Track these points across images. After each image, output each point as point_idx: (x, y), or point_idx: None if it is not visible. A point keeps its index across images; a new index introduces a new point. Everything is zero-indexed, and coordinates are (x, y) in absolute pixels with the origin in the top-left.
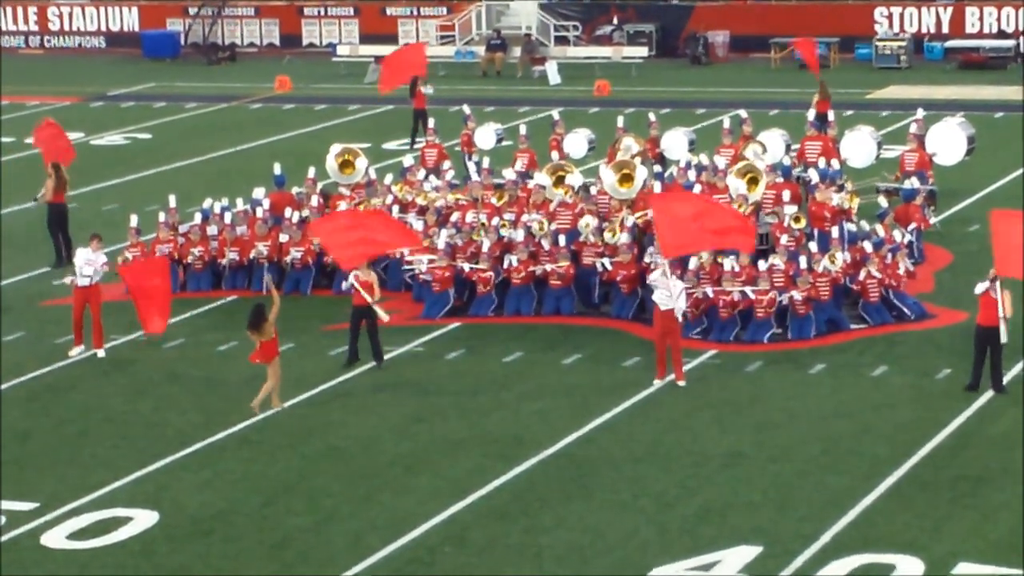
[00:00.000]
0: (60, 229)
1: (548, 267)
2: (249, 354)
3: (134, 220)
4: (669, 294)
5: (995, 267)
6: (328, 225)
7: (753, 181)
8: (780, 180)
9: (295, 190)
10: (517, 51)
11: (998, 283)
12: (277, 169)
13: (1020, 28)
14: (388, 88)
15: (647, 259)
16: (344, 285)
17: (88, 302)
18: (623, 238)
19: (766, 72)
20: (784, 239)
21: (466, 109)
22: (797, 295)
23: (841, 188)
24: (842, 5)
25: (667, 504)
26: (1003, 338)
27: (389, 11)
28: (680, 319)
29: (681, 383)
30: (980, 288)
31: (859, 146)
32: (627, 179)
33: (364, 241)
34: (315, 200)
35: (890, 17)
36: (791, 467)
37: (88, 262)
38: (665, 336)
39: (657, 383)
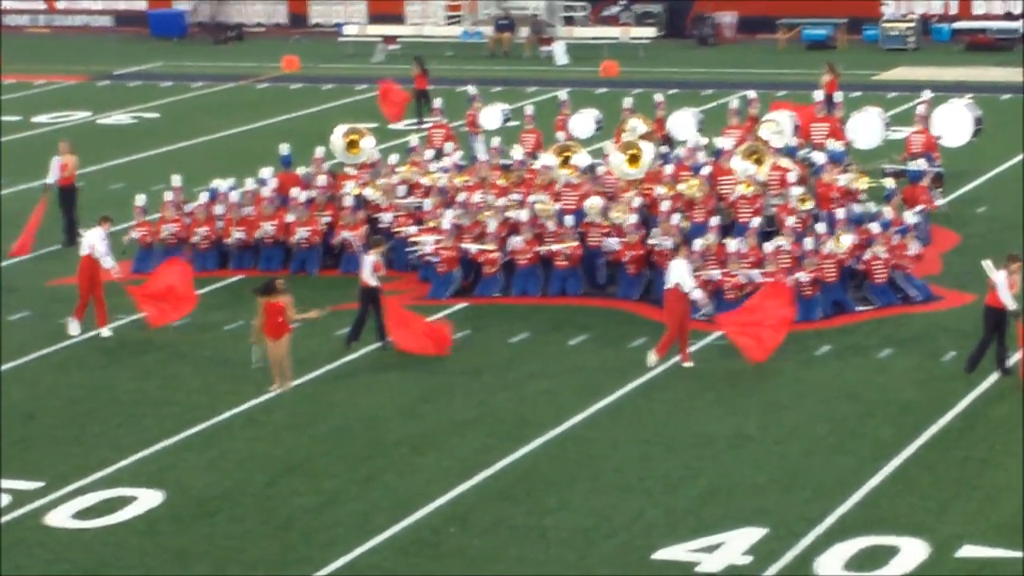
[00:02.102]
0: (69, 210)
1: (554, 247)
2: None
3: (140, 200)
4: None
5: None
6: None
7: (759, 162)
8: (784, 161)
9: (302, 170)
10: (524, 31)
11: (1016, 266)
12: (284, 149)
13: None
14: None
15: (653, 240)
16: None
17: (92, 277)
18: (630, 219)
19: (773, 53)
20: (790, 220)
21: (471, 89)
22: (803, 276)
23: (847, 170)
24: None
25: (672, 485)
26: (1011, 305)
27: None
28: (692, 300)
29: (687, 364)
30: (1000, 276)
31: (866, 127)
32: (635, 160)
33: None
34: (322, 180)
35: None
36: (796, 449)
37: (101, 240)
38: (684, 318)
39: (687, 364)
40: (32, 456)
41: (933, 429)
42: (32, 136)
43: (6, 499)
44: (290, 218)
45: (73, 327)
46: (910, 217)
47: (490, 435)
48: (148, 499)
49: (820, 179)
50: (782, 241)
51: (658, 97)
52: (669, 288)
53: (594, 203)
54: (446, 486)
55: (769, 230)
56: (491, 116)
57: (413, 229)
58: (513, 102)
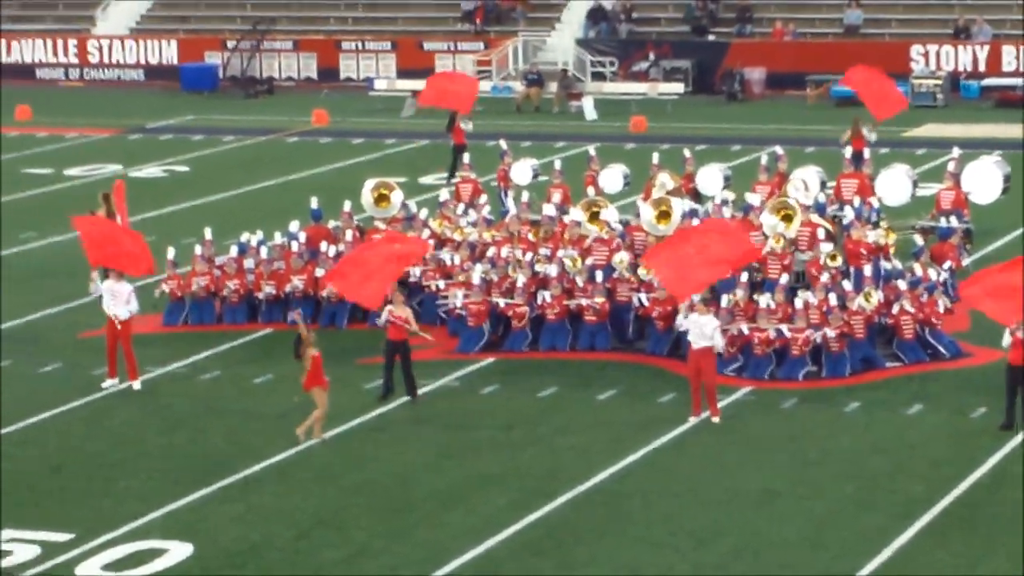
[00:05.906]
0: None
1: (583, 302)
2: (288, 385)
3: (171, 253)
4: (700, 332)
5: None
6: (339, 273)
7: (788, 218)
8: (815, 217)
9: (331, 224)
10: (553, 86)
11: None
12: (314, 203)
13: None
14: (426, 103)
15: None
16: (380, 320)
17: (118, 334)
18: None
19: (802, 109)
20: (824, 277)
21: (503, 144)
22: (830, 332)
23: (876, 226)
24: (879, 43)
25: (701, 541)
26: None
27: (427, 46)
28: (717, 352)
29: (716, 420)
30: (1007, 340)
31: (894, 185)
32: (665, 216)
33: (375, 274)
34: (351, 234)
35: (926, 55)
36: (825, 505)
37: (112, 293)
38: (699, 374)
39: (692, 420)
40: (62, 508)
41: (963, 486)
42: (64, 189)
43: (37, 550)
44: (319, 272)
45: (107, 382)
46: (937, 274)
47: (519, 489)
48: (178, 551)
49: (848, 235)
50: (810, 297)
51: (686, 152)
52: (693, 345)
53: (622, 258)
54: (475, 540)
55: (796, 286)
56: (521, 171)
57: (442, 283)
58: (541, 157)
